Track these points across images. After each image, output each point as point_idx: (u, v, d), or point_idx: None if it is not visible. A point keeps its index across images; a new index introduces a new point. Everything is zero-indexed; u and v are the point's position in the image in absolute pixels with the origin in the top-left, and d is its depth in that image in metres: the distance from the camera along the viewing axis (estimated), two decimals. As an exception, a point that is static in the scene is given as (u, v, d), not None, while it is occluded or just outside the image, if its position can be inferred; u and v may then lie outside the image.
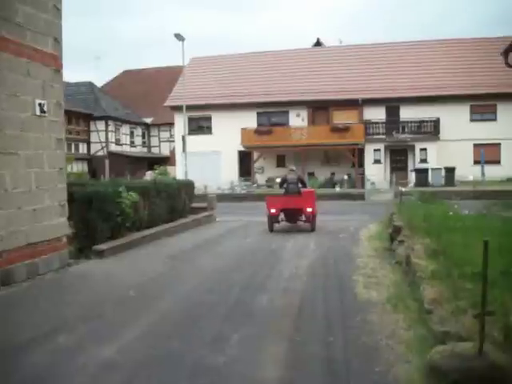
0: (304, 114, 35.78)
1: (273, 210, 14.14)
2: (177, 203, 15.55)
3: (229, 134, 35.10)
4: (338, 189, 30.47)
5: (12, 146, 7.82)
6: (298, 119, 35.76)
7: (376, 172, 32.10)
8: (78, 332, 5.58)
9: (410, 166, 33.31)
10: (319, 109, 35.62)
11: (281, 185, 15.29)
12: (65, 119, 37.10)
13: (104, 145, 47.18)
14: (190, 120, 37.77)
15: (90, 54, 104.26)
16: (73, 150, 45.13)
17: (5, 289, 7.52)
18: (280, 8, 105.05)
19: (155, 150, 53.80)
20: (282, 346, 5.06)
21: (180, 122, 37.14)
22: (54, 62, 8.98)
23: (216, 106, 36.72)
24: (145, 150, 53.61)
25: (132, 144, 51.36)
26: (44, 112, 8.59)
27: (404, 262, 8.10)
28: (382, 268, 8.70)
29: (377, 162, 33.64)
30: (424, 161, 32.31)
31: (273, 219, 14.26)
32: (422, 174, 30.00)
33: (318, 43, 44.12)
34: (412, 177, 31.16)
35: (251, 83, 37.31)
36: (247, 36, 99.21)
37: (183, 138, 29.80)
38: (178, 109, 36.22)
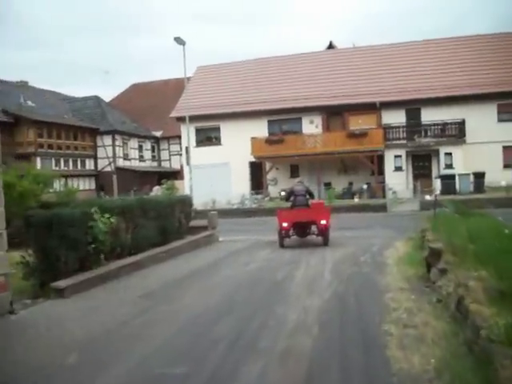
0: (318, 120, 33.48)
1: (285, 224, 13.19)
2: (169, 223, 13.39)
3: (239, 144, 32.99)
4: (356, 199, 28.07)
5: None
6: (311, 126, 33.47)
7: (397, 180, 29.62)
8: None
9: (435, 173, 30.79)
10: (334, 114, 33.32)
11: (287, 198, 14.29)
12: (70, 134, 34.93)
13: (111, 160, 45.41)
14: (198, 131, 35.83)
15: (101, 71, 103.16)
16: (79, 166, 43.53)
17: None
18: (291, 16, 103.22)
19: (165, 164, 51.98)
20: None
21: (186, 134, 35.22)
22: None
23: (224, 116, 34.63)
24: (155, 164, 51.78)
25: (141, 158, 49.57)
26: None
27: (453, 305, 5.81)
28: (421, 309, 6.44)
29: (398, 169, 31.19)
30: (449, 166, 29.77)
31: (284, 234, 13.31)
32: (448, 180, 27.47)
33: (330, 46, 41.92)
34: (437, 184, 28.65)
35: (261, 90, 35.21)
36: (259, 47, 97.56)
37: (187, 150, 27.68)
38: (184, 120, 34.29)
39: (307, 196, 13.76)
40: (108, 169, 45.40)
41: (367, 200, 27.96)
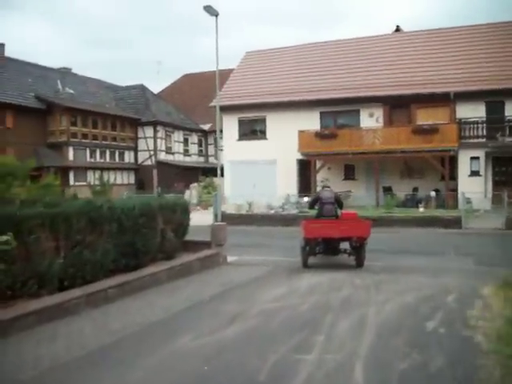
0: (379, 112, 28.43)
1: (311, 238, 10.78)
2: (143, 239, 9.23)
3: (286, 139, 28.56)
4: (421, 209, 22.93)
5: None
6: (371, 120, 28.47)
7: (474, 187, 24.15)
8: None
9: (521, 180, 25.29)
10: (398, 106, 28.19)
11: (311, 205, 12.19)
12: (108, 124, 31.89)
13: (152, 153, 42.03)
14: (242, 123, 31.71)
15: (154, 63, 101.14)
16: (117, 159, 40.39)
17: None
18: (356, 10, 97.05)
19: (213, 160, 48.22)
20: None
21: (229, 125, 31.31)
22: None
23: (272, 106, 30.24)
24: (201, 159, 48.13)
25: (186, 152, 45.95)
26: None
27: None
28: None
29: (474, 173, 25.76)
30: (540, 172, 24.26)
31: (310, 251, 11.06)
32: (538, 190, 22.03)
33: (397, 31, 36.72)
34: (523, 194, 23.24)
35: (314, 78, 30.58)
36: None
37: (215, 141, 23.58)
38: (226, 110, 30.48)
39: (336, 205, 11.49)
40: (148, 162, 42.10)
41: (435, 210, 22.80)
